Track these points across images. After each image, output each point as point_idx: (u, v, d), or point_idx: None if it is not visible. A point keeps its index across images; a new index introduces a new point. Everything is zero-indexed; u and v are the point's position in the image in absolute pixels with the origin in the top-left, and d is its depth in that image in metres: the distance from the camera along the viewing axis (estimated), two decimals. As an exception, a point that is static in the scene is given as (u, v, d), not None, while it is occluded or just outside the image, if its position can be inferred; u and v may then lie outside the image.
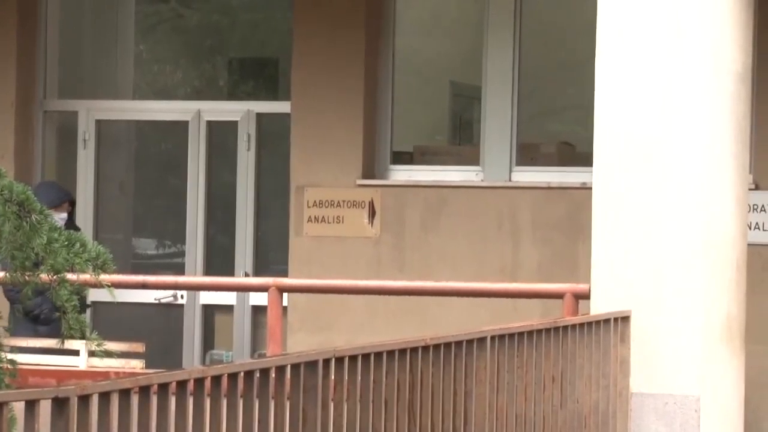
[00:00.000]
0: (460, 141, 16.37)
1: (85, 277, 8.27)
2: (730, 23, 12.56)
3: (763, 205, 13.88)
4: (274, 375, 8.49)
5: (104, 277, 8.50)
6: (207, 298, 16.42)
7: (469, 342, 10.06)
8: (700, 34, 12.34)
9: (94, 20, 17.67)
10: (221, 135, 16.70)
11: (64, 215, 13.74)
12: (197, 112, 16.70)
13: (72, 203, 13.94)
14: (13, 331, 13.03)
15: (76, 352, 12.22)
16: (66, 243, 8.25)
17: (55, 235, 8.12)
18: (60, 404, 7.26)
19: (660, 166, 12.22)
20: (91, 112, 16.97)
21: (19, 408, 7.13)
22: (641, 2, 12.37)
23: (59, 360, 11.91)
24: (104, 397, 7.43)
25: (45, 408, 7.23)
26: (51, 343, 11.98)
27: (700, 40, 12.34)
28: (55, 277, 8.17)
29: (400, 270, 14.41)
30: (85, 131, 16.93)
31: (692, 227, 12.22)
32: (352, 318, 12.84)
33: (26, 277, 8.14)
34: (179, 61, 17.59)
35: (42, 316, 12.89)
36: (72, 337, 8.52)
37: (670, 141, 12.25)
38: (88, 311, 10.45)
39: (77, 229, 13.64)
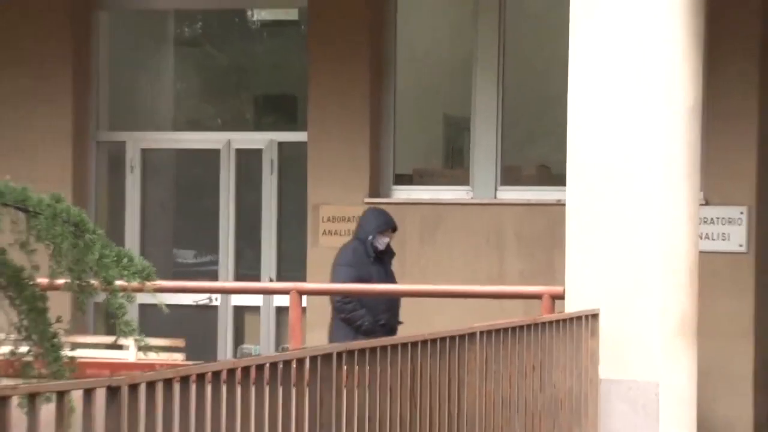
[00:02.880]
0: (453, 164, 16.37)
1: (134, 285, 8.31)
2: (683, 64, 12.59)
3: (711, 219, 13.91)
4: (295, 366, 8.58)
5: (150, 284, 8.58)
6: (237, 300, 16.43)
7: (462, 337, 10.13)
8: (657, 73, 12.37)
9: (139, 61, 17.68)
10: (248, 161, 16.68)
11: (387, 240, 13.75)
12: (227, 142, 16.73)
13: (394, 230, 13.91)
14: (335, 338, 13.38)
15: (126, 348, 12.29)
16: (116, 258, 8.31)
17: (107, 251, 8.17)
18: (113, 392, 7.36)
19: (623, 186, 12.26)
20: (136, 142, 16.99)
21: (78, 396, 7.23)
22: (606, 45, 12.40)
23: (112, 354, 11.95)
24: (150, 385, 7.54)
25: (100, 395, 7.34)
26: (106, 340, 12.05)
27: (657, 78, 12.38)
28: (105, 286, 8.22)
29: (401, 276, 14.40)
30: (132, 159, 16.95)
31: (652, 238, 12.26)
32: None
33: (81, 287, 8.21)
34: (211, 98, 17.60)
35: (363, 327, 12.89)
36: (123, 336, 8.58)
37: (632, 164, 12.28)
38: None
39: (393, 253, 13.85)
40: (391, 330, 13.53)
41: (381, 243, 13.60)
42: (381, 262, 13.55)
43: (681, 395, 12.48)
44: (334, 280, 13.63)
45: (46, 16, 16.70)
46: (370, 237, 13.65)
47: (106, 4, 17.22)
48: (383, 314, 13.32)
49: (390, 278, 13.62)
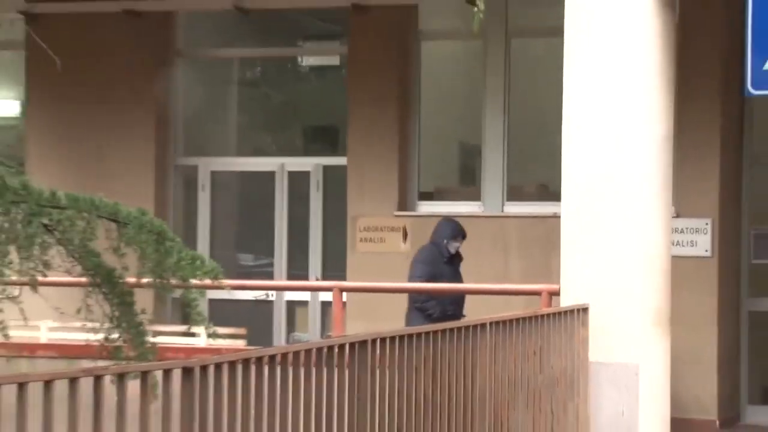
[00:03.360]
0: (466, 183, 16.34)
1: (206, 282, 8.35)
2: (658, 101, 12.57)
3: (681, 229, 13.89)
4: (337, 351, 8.65)
5: (219, 283, 8.64)
6: (289, 296, 16.43)
7: (474, 327, 10.16)
8: (637, 108, 12.35)
9: (209, 99, 17.68)
10: (298, 181, 16.66)
11: (458, 245, 13.67)
12: (281, 165, 16.74)
13: (464, 237, 13.81)
14: (410, 323, 13.28)
15: (198, 335, 12.35)
16: (190, 261, 8.35)
17: (183, 255, 8.21)
18: (187, 372, 7.44)
19: (609, 201, 12.25)
20: (207, 165, 17.04)
21: (158, 375, 7.30)
22: (594, 85, 12.40)
23: (186, 341, 11.99)
24: (218, 366, 7.62)
25: (176, 375, 7.41)
26: (181, 328, 12.10)
27: (638, 112, 12.35)
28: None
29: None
30: (203, 180, 16.98)
31: (633, 245, 12.25)
32: (392, 309, 12.86)
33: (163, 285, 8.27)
34: (268, 129, 17.62)
35: (434, 315, 12.90)
36: (196, 325, 8.62)
37: (616, 183, 12.27)
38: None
39: (461, 257, 13.76)
40: (455, 319, 13.31)
41: (452, 247, 13.59)
42: (452, 263, 13.54)
43: (657, 375, 12.47)
44: (412, 274, 13.67)
45: (136, 63, 16.74)
46: (444, 241, 13.65)
47: (183, 53, 17.26)
48: (450, 306, 13.35)
49: (458, 277, 13.64)
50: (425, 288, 13.63)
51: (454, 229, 13.63)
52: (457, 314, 13.67)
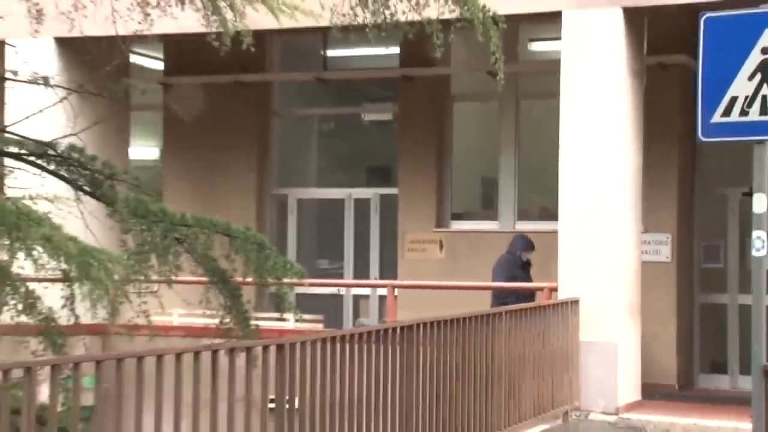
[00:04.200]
0: (487, 207, 16.25)
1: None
2: (631, 144, 12.52)
3: (648, 240, 13.80)
4: (390, 332, 8.63)
5: (303, 281, 8.65)
6: (355, 291, 16.30)
7: (494, 315, 10.15)
8: (614, 149, 12.26)
9: (295, 143, 17.71)
10: (361, 206, 16.60)
11: (529, 255, 13.42)
12: (349, 194, 16.76)
13: (533, 248, 13.49)
14: None
15: (288, 320, 12.34)
16: (283, 264, 8.36)
17: (277, 260, 8.23)
18: (280, 348, 7.43)
19: (594, 220, 12.17)
20: (294, 194, 17.04)
21: (258, 350, 7.29)
22: (583, 131, 12.35)
23: (279, 324, 11.96)
24: (303, 344, 7.61)
25: (272, 350, 7.39)
26: (275, 315, 12.07)
27: (615, 152, 12.27)
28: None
29: (454, 277, 14.39)
30: (291, 205, 17.04)
31: (612, 253, 12.16)
32: (432, 301, 12.81)
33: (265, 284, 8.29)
34: (339, 166, 17.62)
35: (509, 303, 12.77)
36: (287, 311, 8.62)
37: (599, 206, 12.18)
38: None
39: (531, 264, 13.49)
40: None
41: (525, 257, 13.38)
42: (524, 269, 13.36)
43: (630, 351, 12.41)
44: (495, 275, 13.39)
45: (242, 120, 16.84)
46: (518, 252, 13.42)
47: (277, 112, 17.31)
48: (524, 300, 13.06)
49: (528, 279, 13.44)
50: (461, 286, 13.63)
51: (526, 243, 13.46)
52: None
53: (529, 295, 13.10)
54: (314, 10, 7.77)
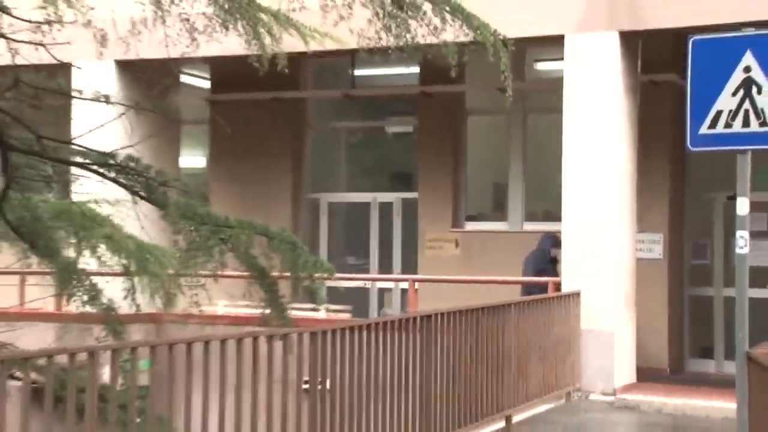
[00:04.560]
0: (498, 209, 16.20)
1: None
2: (627, 152, 12.50)
3: (643, 240, 13.72)
4: (411, 322, 8.65)
5: (332, 276, 8.66)
6: (380, 285, 16.21)
7: (504, 306, 10.15)
8: (613, 157, 12.26)
9: (326, 153, 17.72)
10: (385, 209, 16.56)
11: (557, 251, 13.02)
12: (374, 198, 16.75)
13: (560, 246, 12.92)
14: None
15: (319, 310, 12.35)
16: (314, 262, 8.38)
17: (309, 258, 8.24)
18: (313, 335, 7.45)
19: (594, 222, 12.15)
20: (326, 198, 17.06)
21: (294, 337, 7.32)
22: (584, 142, 12.34)
23: (312, 314, 11.99)
24: (333, 332, 7.63)
25: (306, 337, 7.41)
26: (308, 306, 12.07)
27: (613, 160, 12.27)
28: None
29: (468, 272, 14.39)
30: (323, 208, 17.05)
31: (610, 251, 12.14)
32: (448, 294, 12.78)
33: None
34: (366, 174, 17.55)
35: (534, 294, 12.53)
36: (318, 304, 8.64)
37: (599, 209, 12.17)
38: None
39: (557, 260, 13.09)
40: None
41: (553, 253, 13.17)
42: (552, 264, 13.18)
43: (626, 339, 12.39)
44: (526, 268, 13.30)
45: (279, 132, 16.87)
46: (547, 249, 13.29)
47: (311, 125, 17.33)
48: (547, 292, 12.88)
49: (556, 273, 13.16)
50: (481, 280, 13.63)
51: (554, 240, 13.21)
52: None
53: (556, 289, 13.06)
54: (343, 34, 7.79)
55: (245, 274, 8.25)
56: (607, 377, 11.93)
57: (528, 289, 12.86)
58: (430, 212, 15.92)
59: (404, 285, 14.86)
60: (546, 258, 13.31)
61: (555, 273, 13.15)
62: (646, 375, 12.76)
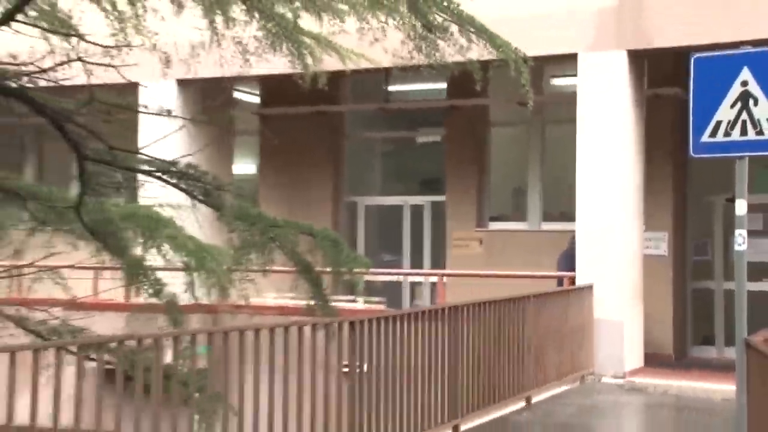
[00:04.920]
0: (518, 210, 16.10)
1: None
2: (633, 161, 12.47)
3: (649, 238, 13.62)
4: (440, 312, 8.65)
5: (369, 271, 8.68)
6: (411, 279, 16.04)
7: (523, 299, 10.12)
8: (621, 166, 12.25)
9: (363, 161, 17.72)
10: (416, 211, 16.57)
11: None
12: (406, 201, 16.73)
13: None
14: None
15: (358, 302, 12.39)
16: (353, 258, 8.39)
17: (349, 254, 8.27)
18: (352, 324, 7.47)
19: (605, 223, 12.14)
20: (362, 201, 17.06)
21: (335, 326, 7.34)
22: (595, 150, 12.31)
23: (351, 305, 12.01)
24: (370, 321, 7.64)
25: (345, 326, 7.43)
26: (348, 298, 12.11)
27: (621, 169, 12.25)
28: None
29: (491, 267, 14.34)
30: (360, 210, 17.07)
31: (620, 248, 12.13)
32: (473, 288, 12.73)
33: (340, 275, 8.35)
34: (404, 179, 17.43)
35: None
36: (357, 295, 8.67)
37: (609, 212, 12.16)
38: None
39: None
40: None
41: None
42: None
43: (634, 327, 12.33)
44: (559, 264, 13.12)
45: (320, 141, 16.91)
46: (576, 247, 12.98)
47: (348, 136, 17.34)
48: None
49: None
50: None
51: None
52: None
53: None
54: (378, 54, 7.82)
55: (291, 269, 8.29)
56: (618, 362, 11.88)
57: (561, 283, 12.80)
58: (457, 214, 15.89)
59: (433, 279, 14.84)
60: (574, 256, 13.17)
61: None
62: (653, 360, 12.70)
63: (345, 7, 7.18)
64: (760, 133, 6.09)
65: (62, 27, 6.93)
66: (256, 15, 7.03)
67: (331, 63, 8.25)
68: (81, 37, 6.74)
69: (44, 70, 6.54)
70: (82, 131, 6.83)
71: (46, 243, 8.20)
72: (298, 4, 7.16)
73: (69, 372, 5.77)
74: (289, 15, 7.22)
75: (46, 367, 5.69)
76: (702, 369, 12.64)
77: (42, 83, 6.62)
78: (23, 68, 6.54)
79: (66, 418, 5.67)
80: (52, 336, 8.41)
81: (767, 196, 12.90)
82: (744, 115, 6.14)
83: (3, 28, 5.48)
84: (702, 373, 12.16)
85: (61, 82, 6.60)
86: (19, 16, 6.05)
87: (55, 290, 9.00)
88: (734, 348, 6.36)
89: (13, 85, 6.47)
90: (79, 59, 6.67)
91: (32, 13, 6.71)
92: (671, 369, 12.62)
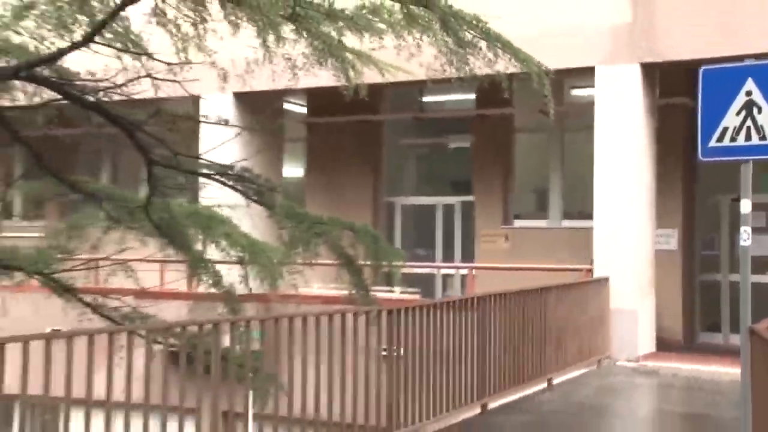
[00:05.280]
0: (540, 209, 15.99)
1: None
2: (646, 162, 12.39)
3: (660, 234, 13.48)
4: (470, 302, 8.63)
5: (404, 263, 8.70)
6: (444, 271, 16.03)
7: (545, 289, 10.07)
8: (635, 168, 12.17)
9: (399, 164, 17.69)
10: (448, 210, 16.53)
11: None
12: (438, 201, 16.69)
13: None
14: None
15: (394, 291, 12.38)
16: (391, 252, 8.42)
17: (388, 248, 8.30)
18: (390, 312, 7.47)
19: (620, 221, 12.08)
20: (399, 202, 17.06)
21: (374, 313, 7.33)
22: (611, 154, 12.24)
23: (388, 295, 12.00)
24: (406, 310, 7.63)
25: (384, 314, 7.43)
26: (386, 288, 12.08)
27: (635, 170, 12.18)
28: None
29: (516, 261, 14.30)
30: (397, 210, 17.05)
31: (633, 244, 12.05)
32: (500, 279, 12.72)
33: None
34: (430, 181, 17.44)
35: None
36: (394, 285, 8.67)
37: (623, 211, 12.09)
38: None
39: None
40: None
41: None
42: None
43: (647, 316, 12.26)
44: None
45: (361, 147, 16.88)
46: None
47: (386, 142, 17.31)
48: None
49: None
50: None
51: None
52: None
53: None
54: (413, 67, 7.83)
55: (335, 262, 8.32)
56: (632, 347, 11.81)
57: None
58: (484, 212, 15.84)
59: (463, 272, 14.82)
60: None
61: None
62: (664, 345, 12.61)
63: (384, 26, 7.21)
64: (764, 138, 6.03)
65: (133, 47, 7.01)
66: (304, 34, 7.07)
67: (371, 76, 8.26)
68: (149, 55, 6.82)
69: (117, 86, 6.63)
70: (151, 139, 6.91)
71: (119, 239, 8.31)
72: (341, 23, 7.19)
73: (139, 353, 5.84)
74: (334, 33, 7.25)
75: (119, 348, 5.76)
76: (709, 354, 12.52)
77: (115, 97, 6.70)
78: (99, 84, 6.62)
79: (137, 394, 5.75)
80: (125, 321, 8.52)
81: (769, 196, 12.78)
82: (748, 122, 6.09)
83: (83, 48, 5.56)
84: (709, 358, 12.04)
85: (132, 96, 6.68)
86: (97, 38, 6.14)
87: (126, 281, 9.12)
88: (739, 335, 6.31)
89: (91, 99, 6.55)
90: (148, 75, 6.75)
91: (108, 35, 6.79)
92: (681, 353, 12.50)
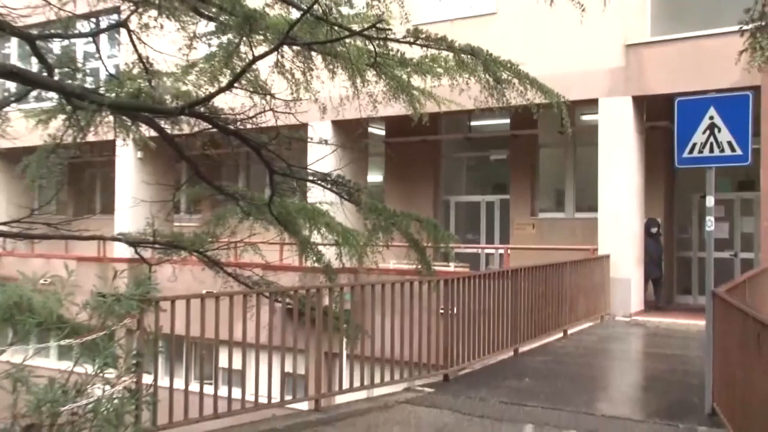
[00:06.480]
0: (558, 204, 15.67)
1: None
2: (636, 169, 12.08)
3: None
4: (506, 274, 8.54)
5: (457, 245, 8.64)
6: (486, 251, 15.53)
7: (563, 264, 9.90)
8: (627, 174, 11.90)
9: (453, 170, 17.50)
10: (490, 206, 16.24)
11: (654, 229, 12.15)
12: (483, 199, 16.41)
13: (657, 225, 12.05)
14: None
15: (449, 266, 12.31)
16: (448, 236, 8.28)
17: (444, 232, 8.21)
18: (446, 282, 7.43)
19: (618, 213, 11.82)
20: (453, 200, 16.86)
21: (434, 282, 7.27)
22: (611, 163, 11.96)
23: (444, 268, 11.94)
24: (458, 280, 7.55)
25: (441, 284, 7.38)
26: (444, 263, 11.97)
27: (628, 173, 11.90)
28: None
29: (541, 243, 14.10)
30: (451, 206, 16.85)
31: (627, 230, 11.78)
32: (528, 257, 12.55)
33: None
34: (478, 185, 17.16)
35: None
36: (449, 261, 8.59)
37: (620, 206, 11.83)
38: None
39: (659, 234, 12.10)
40: (659, 272, 12.10)
41: (651, 230, 12.15)
42: (652, 237, 12.19)
43: (637, 283, 11.94)
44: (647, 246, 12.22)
45: (425, 159, 16.78)
46: (648, 227, 12.18)
47: (444, 156, 17.16)
48: (655, 269, 12.12)
49: (658, 244, 12.22)
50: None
51: (650, 222, 12.26)
52: (658, 269, 12.22)
53: (657, 258, 12.09)
54: (464, 100, 7.81)
55: (406, 244, 8.34)
56: (626, 306, 11.58)
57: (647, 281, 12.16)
58: (517, 207, 15.61)
59: (501, 251, 14.65)
60: (648, 233, 12.31)
61: (656, 243, 12.17)
62: (650, 305, 12.31)
63: (441, 70, 7.24)
64: (722, 151, 6.01)
65: (261, 90, 7.17)
66: (383, 77, 7.13)
67: (431, 107, 8.26)
68: (272, 95, 6.96)
69: (249, 117, 6.79)
70: (272, 155, 7.05)
71: (250, 227, 8.49)
72: (410, 68, 7.24)
73: (265, 309, 5.98)
74: (404, 76, 7.29)
75: (251, 306, 5.92)
76: (682, 311, 12.22)
77: (248, 125, 6.87)
78: (237, 116, 6.81)
79: (263, 338, 5.89)
80: (255, 286, 8.71)
81: (726, 194, 12.55)
82: (711, 139, 6.05)
83: (227, 92, 5.75)
84: (682, 313, 11.78)
85: (260, 125, 6.84)
86: (236, 84, 6.31)
87: (255, 257, 9.32)
88: (704, 296, 6.18)
89: (232, 127, 6.73)
90: (271, 110, 6.90)
91: (243, 82, 6.97)
92: (662, 311, 12.20)
